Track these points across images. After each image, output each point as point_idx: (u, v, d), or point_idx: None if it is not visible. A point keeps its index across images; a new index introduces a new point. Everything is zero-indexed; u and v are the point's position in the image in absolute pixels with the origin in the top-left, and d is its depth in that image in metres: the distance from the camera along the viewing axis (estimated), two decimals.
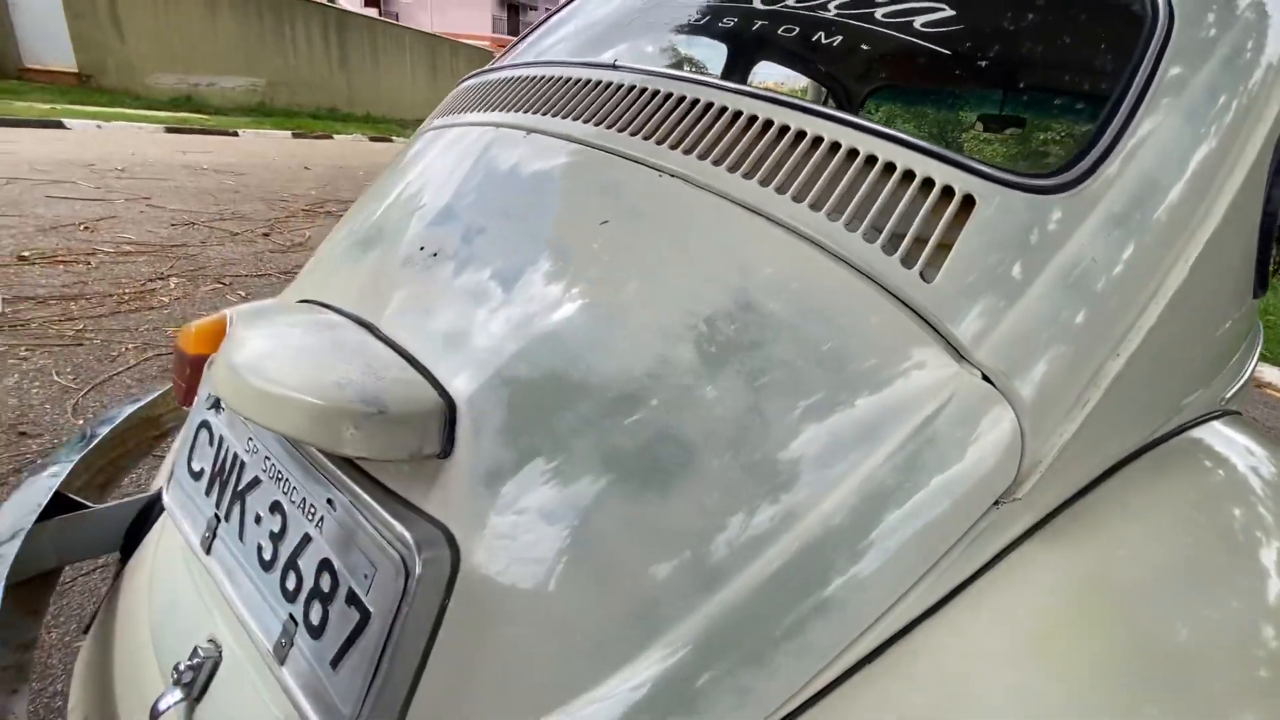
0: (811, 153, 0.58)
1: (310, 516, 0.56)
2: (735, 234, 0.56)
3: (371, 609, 0.48)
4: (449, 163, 0.76)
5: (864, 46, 0.77)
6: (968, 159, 0.56)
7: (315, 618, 0.53)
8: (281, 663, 0.54)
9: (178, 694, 0.60)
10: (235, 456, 0.65)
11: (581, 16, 1.02)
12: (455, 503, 0.51)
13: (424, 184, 0.76)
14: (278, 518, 0.59)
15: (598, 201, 0.60)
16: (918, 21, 0.67)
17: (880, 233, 0.54)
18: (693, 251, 0.56)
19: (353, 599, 0.50)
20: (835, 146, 0.58)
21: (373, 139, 12.62)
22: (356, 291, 0.66)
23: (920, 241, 0.54)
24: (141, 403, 1.15)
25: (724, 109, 0.63)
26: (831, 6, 0.75)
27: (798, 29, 0.73)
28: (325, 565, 0.53)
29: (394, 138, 13.26)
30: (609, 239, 0.58)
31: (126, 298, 2.68)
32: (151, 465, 1.52)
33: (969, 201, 0.55)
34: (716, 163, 0.59)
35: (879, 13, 0.68)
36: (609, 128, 0.65)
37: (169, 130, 9.05)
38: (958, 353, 0.52)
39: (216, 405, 0.70)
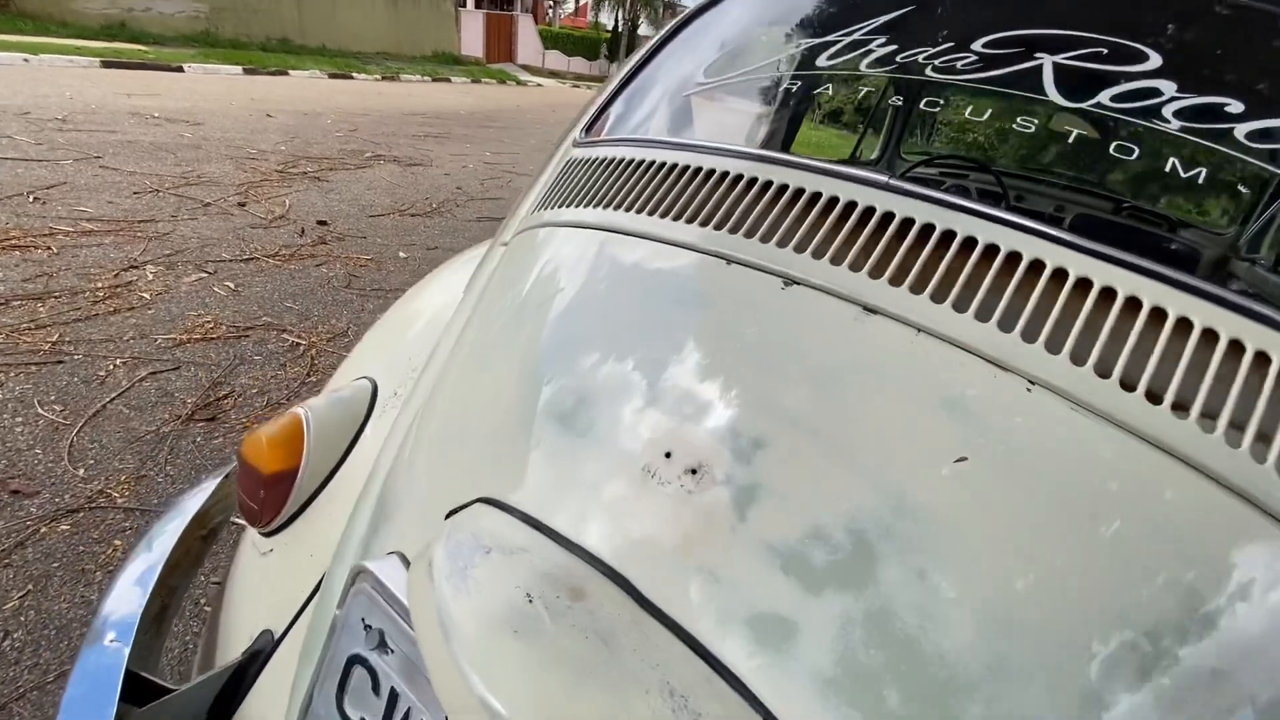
0: (1233, 367, 0.43)
1: None
2: (1165, 497, 0.41)
3: None
4: (644, 296, 0.58)
5: (1165, 156, 0.60)
6: None
7: None
8: None
9: None
10: None
11: (748, 55, 0.82)
12: None
13: (611, 326, 0.58)
14: None
15: (943, 423, 0.45)
16: (1240, 131, 0.51)
17: None
18: (1110, 523, 0.41)
19: None
20: (1255, 356, 0.43)
21: (332, 76, 11.71)
22: (570, 502, 0.50)
23: None
24: (189, 517, 0.97)
25: (1087, 281, 0.47)
26: (1107, 98, 0.58)
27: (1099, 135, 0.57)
28: None
29: (355, 75, 12.35)
30: (977, 490, 0.42)
31: (100, 294, 2.38)
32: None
33: None
34: (1103, 373, 0.44)
35: (1169, 110, 0.52)
36: (935, 301, 0.48)
37: (105, 65, 8.18)
38: None
39: (382, 644, 0.54)
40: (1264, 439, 0.41)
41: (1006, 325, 0.46)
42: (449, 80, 15.04)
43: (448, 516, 0.54)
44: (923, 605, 0.40)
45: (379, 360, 0.99)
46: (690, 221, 0.61)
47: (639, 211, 0.66)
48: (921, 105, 0.68)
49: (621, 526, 0.47)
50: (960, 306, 0.47)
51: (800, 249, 0.53)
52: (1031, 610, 0.39)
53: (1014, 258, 0.49)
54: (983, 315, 0.47)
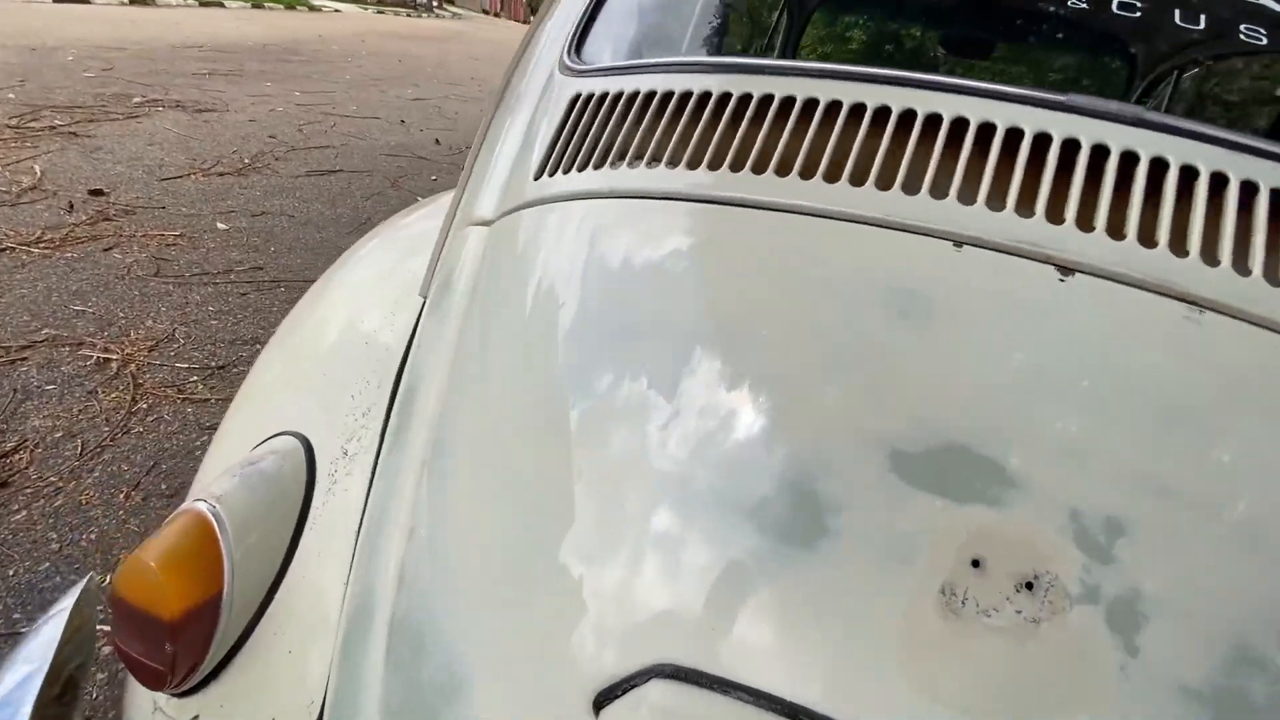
0: None
1: None
2: None
3: None
4: (790, 293, 0.39)
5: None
6: None
7: None
8: None
9: None
10: None
11: None
12: None
13: (759, 346, 0.38)
14: None
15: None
16: None
17: None
18: None
19: None
20: None
21: (59, 1, 9.21)
22: (826, 660, 0.31)
23: None
24: (35, 680, 0.63)
25: None
26: None
27: None
28: None
29: None
30: None
31: None
32: None
33: None
34: None
35: None
36: (1208, 263, 0.34)
37: None
38: None
39: None
40: None
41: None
42: (222, 5, 12.58)
43: (599, 707, 0.33)
44: None
45: (297, 405, 0.69)
46: (807, 176, 0.42)
47: (713, 168, 0.45)
48: None
49: (941, 692, 0.30)
50: (1242, 269, 0.35)
51: (997, 204, 0.36)
52: None
53: (1249, 188, 0.36)
54: (1272, 278, 0.34)
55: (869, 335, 0.36)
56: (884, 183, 0.40)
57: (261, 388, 0.74)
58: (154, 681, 0.55)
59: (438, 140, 4.77)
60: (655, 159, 0.47)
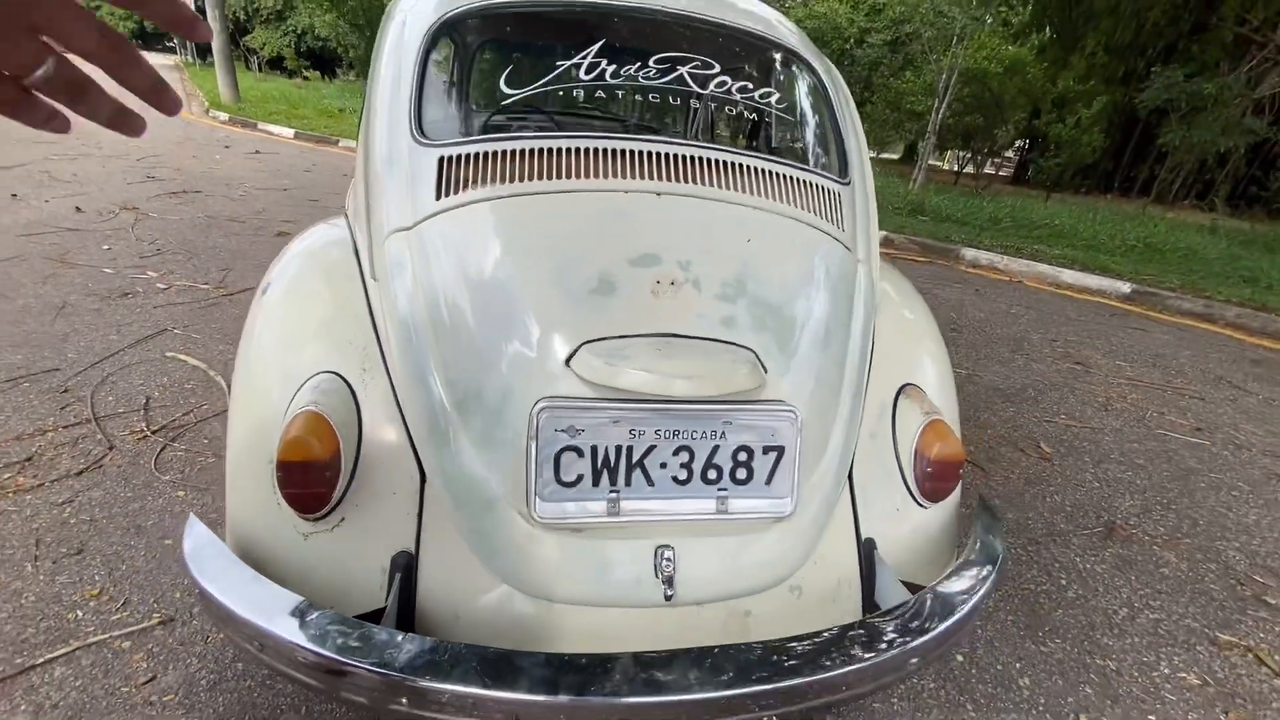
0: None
1: (712, 436, 1.02)
2: (788, 238, 1.21)
3: (784, 445, 1.04)
4: (605, 223, 1.09)
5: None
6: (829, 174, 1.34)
7: (741, 475, 1.04)
8: (725, 512, 1.04)
9: (664, 588, 1.00)
10: (618, 448, 0.99)
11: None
12: (778, 388, 1.07)
13: (596, 241, 1.07)
14: (684, 454, 1.01)
15: (739, 230, 1.14)
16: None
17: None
18: (785, 252, 1.19)
19: (769, 449, 1.04)
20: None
21: None
22: (633, 319, 1.02)
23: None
24: None
25: (737, 165, 1.21)
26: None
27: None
28: (740, 449, 1.03)
29: None
30: (758, 248, 1.14)
31: None
32: None
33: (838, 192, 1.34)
34: (772, 199, 1.20)
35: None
36: (717, 186, 1.16)
37: None
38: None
39: (577, 431, 0.97)
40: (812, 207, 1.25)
41: (725, 186, 1.19)
42: None
43: (567, 362, 1.00)
44: (764, 280, 1.12)
45: (310, 361, 1.15)
46: (577, 177, 1.13)
47: (545, 177, 1.12)
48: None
49: (662, 315, 1.04)
50: (709, 184, 1.17)
51: (647, 177, 1.14)
52: (779, 271, 1.15)
53: (709, 162, 1.20)
54: (706, 182, 1.17)
55: (624, 225, 1.09)
56: (619, 175, 1.12)
57: (263, 369, 1.17)
58: (315, 505, 1.03)
59: (79, 208, 4.24)
60: (506, 179, 1.12)
